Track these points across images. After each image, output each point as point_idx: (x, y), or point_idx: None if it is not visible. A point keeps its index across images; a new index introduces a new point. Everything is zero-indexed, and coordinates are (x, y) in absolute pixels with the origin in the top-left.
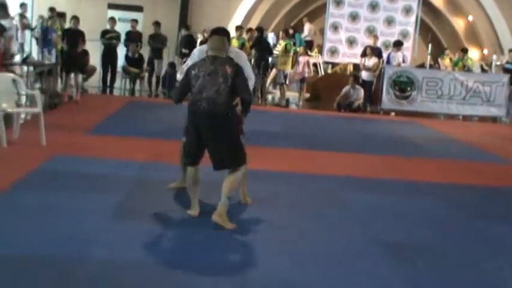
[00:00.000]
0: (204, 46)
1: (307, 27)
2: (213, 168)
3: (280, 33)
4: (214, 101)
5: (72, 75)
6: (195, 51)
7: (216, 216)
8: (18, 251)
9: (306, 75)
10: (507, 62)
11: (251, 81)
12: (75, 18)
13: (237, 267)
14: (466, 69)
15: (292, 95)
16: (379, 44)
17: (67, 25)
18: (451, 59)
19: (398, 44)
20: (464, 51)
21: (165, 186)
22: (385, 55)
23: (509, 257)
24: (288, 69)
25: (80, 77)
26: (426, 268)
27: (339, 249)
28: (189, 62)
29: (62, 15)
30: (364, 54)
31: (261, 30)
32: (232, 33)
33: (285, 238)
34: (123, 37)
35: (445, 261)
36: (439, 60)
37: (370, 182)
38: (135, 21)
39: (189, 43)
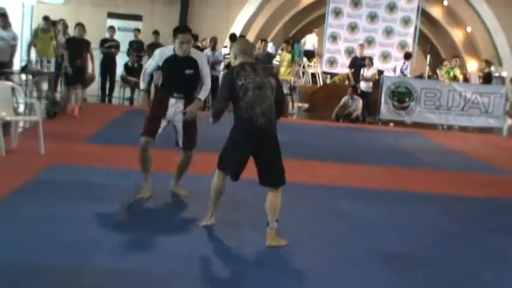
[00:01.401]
0: (166, 48)
1: (310, 37)
2: (260, 183)
3: (284, 44)
4: (269, 117)
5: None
6: (157, 52)
7: (270, 241)
8: (16, 259)
9: (296, 84)
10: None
11: None
12: (80, 26)
13: (235, 277)
14: (457, 79)
15: None
16: (377, 54)
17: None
18: None
19: (410, 56)
20: (455, 57)
21: (163, 195)
22: (394, 64)
23: (510, 267)
24: (291, 79)
25: (80, 90)
26: (425, 278)
27: (336, 259)
28: (151, 62)
29: (54, 24)
30: (352, 65)
31: (233, 37)
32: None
33: (283, 248)
34: (125, 46)
35: (445, 271)
36: (438, 71)
37: (368, 192)
38: (137, 30)
39: None
